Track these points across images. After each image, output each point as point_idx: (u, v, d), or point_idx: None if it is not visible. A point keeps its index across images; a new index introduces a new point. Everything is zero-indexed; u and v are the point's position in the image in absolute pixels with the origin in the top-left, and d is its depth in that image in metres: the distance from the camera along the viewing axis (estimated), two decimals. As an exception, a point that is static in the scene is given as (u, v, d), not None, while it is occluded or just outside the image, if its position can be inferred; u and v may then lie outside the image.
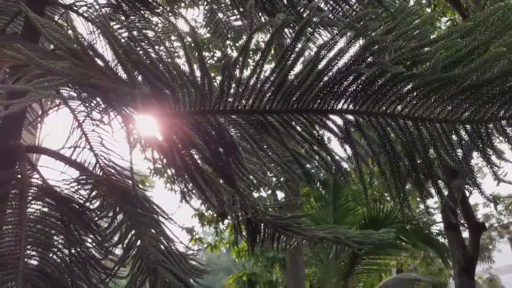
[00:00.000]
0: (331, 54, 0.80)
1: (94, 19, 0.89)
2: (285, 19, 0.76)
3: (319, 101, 0.89)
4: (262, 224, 2.25)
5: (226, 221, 9.38)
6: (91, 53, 0.83)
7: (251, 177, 1.12)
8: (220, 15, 3.56)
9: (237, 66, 0.85)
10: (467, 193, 9.67)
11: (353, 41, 0.79)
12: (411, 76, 0.76)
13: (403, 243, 9.04)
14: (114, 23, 2.64)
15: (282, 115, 0.94)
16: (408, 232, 8.89)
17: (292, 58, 0.82)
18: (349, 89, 0.85)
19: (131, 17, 2.62)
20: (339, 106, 0.89)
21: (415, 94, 0.81)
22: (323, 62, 0.81)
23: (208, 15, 3.75)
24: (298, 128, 0.96)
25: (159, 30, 3.13)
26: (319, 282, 9.53)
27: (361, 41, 0.83)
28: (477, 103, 0.79)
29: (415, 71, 0.76)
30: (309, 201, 9.68)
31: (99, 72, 0.89)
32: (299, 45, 0.80)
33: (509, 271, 17.88)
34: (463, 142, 0.84)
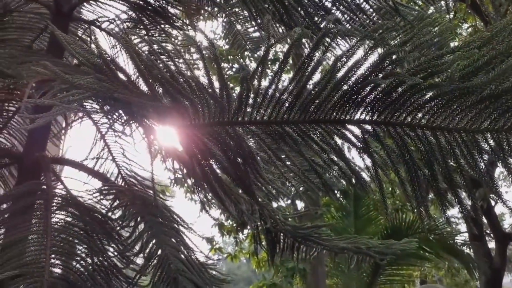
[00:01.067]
0: (349, 64, 0.81)
1: (116, 34, 0.91)
2: (301, 33, 0.78)
3: (337, 111, 0.90)
4: (282, 234, 2.25)
5: (245, 231, 9.37)
6: (113, 67, 0.86)
7: (270, 187, 1.13)
8: (238, 27, 3.61)
9: (255, 77, 0.87)
10: (493, 203, 9.44)
11: (370, 51, 0.80)
12: (428, 86, 0.76)
13: (426, 254, 8.85)
14: (135, 37, 2.71)
15: (299, 126, 0.95)
16: (432, 242, 8.71)
17: (309, 69, 0.83)
18: (367, 99, 0.85)
19: (151, 31, 2.68)
20: (357, 116, 0.89)
21: (433, 104, 0.81)
22: (341, 73, 0.82)
23: (226, 27, 3.80)
24: (315, 138, 0.97)
25: (179, 43, 3.19)
26: (340, 293, 9.40)
27: (379, 51, 0.84)
28: (496, 112, 0.78)
29: (432, 82, 0.76)
30: (330, 211, 9.59)
31: (122, 86, 0.92)
32: (317, 56, 0.81)
33: (538, 283, 17.26)
34: (483, 152, 0.84)
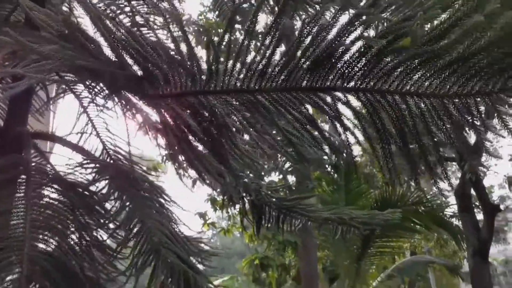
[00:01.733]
0: (315, 30, 0.80)
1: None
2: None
3: (307, 79, 0.89)
4: (267, 207, 2.27)
5: (238, 206, 9.43)
6: (79, 35, 0.84)
7: (246, 158, 1.13)
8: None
9: (223, 44, 0.85)
10: (481, 175, 9.55)
11: (337, 15, 0.79)
12: (393, 50, 0.75)
13: (416, 226, 9.00)
14: (115, 8, 2.64)
15: (271, 94, 0.94)
16: (421, 214, 8.84)
17: (276, 36, 0.82)
18: (336, 66, 0.84)
19: (132, 2, 2.61)
20: (327, 83, 0.89)
21: (402, 69, 0.81)
22: (308, 39, 0.81)
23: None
24: (288, 106, 0.96)
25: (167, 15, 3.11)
26: (331, 265, 9.57)
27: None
28: (464, 76, 0.78)
29: (397, 45, 0.75)
30: (321, 185, 9.66)
31: (89, 55, 0.90)
32: (283, 22, 0.80)
33: (525, 253, 17.70)
34: (453, 116, 0.83)
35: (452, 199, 10.02)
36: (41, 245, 1.45)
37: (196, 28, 9.60)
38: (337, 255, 8.71)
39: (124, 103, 1.60)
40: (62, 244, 1.46)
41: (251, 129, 1.04)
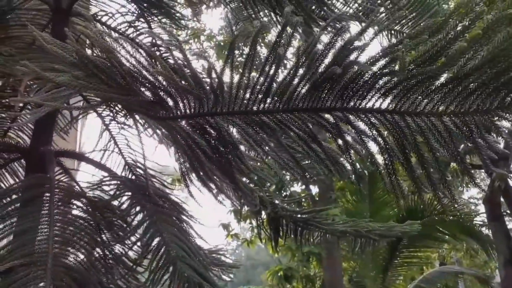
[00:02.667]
0: (312, 55, 0.83)
1: (87, 30, 0.93)
2: (262, 25, 0.80)
3: (308, 100, 0.92)
4: (283, 220, 2.29)
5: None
6: (90, 64, 0.90)
7: (253, 174, 1.17)
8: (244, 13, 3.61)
9: (227, 69, 0.89)
10: (510, 182, 9.28)
11: (333, 41, 0.82)
12: (384, 74, 0.78)
13: (444, 235, 8.79)
14: (134, 30, 2.74)
15: (275, 115, 0.98)
16: (448, 223, 8.64)
17: (276, 62, 0.86)
18: (334, 88, 0.87)
19: (152, 24, 2.70)
20: (327, 104, 0.91)
21: (398, 90, 0.83)
22: (306, 64, 0.84)
23: (234, 13, 3.81)
24: (291, 126, 0.99)
25: (183, 34, 3.20)
26: (357, 276, 9.43)
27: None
28: (461, 95, 0.79)
29: (387, 70, 0.77)
30: (344, 195, 9.57)
31: (101, 81, 0.95)
32: (280, 51, 0.83)
33: (561, 262, 16.99)
34: (452, 133, 0.85)
35: (481, 208, 9.76)
36: (63, 260, 1.51)
37: (217, 43, 9.76)
38: (363, 266, 8.60)
39: (142, 122, 1.67)
40: (84, 259, 1.52)
41: (257, 147, 1.08)
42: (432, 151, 0.90)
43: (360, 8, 1.82)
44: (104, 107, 2.27)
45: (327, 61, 0.84)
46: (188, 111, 1.06)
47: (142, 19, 2.74)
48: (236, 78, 0.93)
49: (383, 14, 1.68)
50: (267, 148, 1.08)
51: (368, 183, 8.72)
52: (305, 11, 1.68)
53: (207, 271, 1.76)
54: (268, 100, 0.96)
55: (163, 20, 2.62)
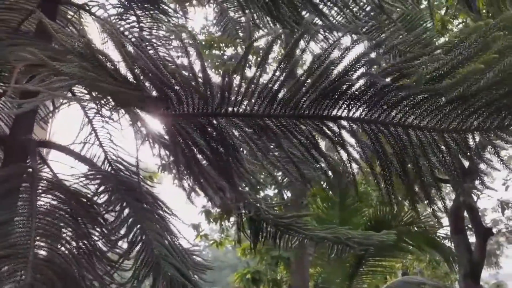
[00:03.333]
0: (325, 64, 0.85)
1: (103, 24, 0.92)
2: (278, 33, 0.81)
3: (315, 107, 0.94)
4: (264, 223, 2.30)
5: (232, 219, 9.44)
6: (100, 57, 0.88)
7: (251, 177, 1.17)
8: (231, 14, 3.61)
9: (238, 72, 0.90)
10: (475, 198, 9.61)
11: (346, 52, 0.84)
12: (398, 88, 0.80)
13: (409, 246, 9.00)
14: (124, 23, 2.70)
15: (280, 120, 0.99)
16: (414, 235, 8.86)
17: (287, 67, 0.87)
18: (343, 97, 0.89)
19: (141, 17, 2.68)
20: (333, 112, 0.93)
21: (405, 103, 0.86)
22: (318, 71, 0.86)
23: (219, 14, 3.80)
24: (295, 132, 1.01)
25: (169, 28, 3.17)
26: (323, 282, 9.52)
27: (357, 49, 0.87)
28: (464, 113, 0.83)
29: (402, 83, 0.80)
30: (316, 201, 9.66)
31: (108, 74, 0.94)
32: (295, 54, 0.85)
33: (516, 277, 17.69)
34: (451, 149, 0.88)
35: (445, 221, 10.08)
36: (44, 253, 1.47)
37: (198, 42, 9.70)
38: (329, 272, 8.70)
39: (132, 117, 1.65)
40: (65, 252, 1.48)
41: (257, 151, 1.09)
42: (430, 165, 0.94)
43: (355, 18, 1.86)
44: (89, 99, 2.23)
45: (336, 71, 0.86)
46: (191, 109, 1.06)
47: (131, 12, 2.71)
48: (244, 80, 0.94)
49: (386, 31, 1.73)
50: (267, 152, 1.09)
51: (339, 191, 8.84)
52: (303, 19, 1.70)
53: (189, 271, 1.76)
54: (274, 105, 0.97)
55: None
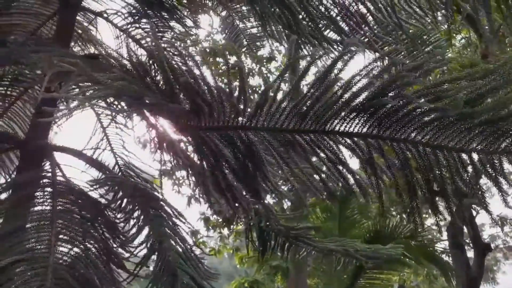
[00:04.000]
0: (360, 84, 0.88)
1: (150, 47, 0.95)
2: (319, 56, 0.85)
3: (345, 124, 0.97)
4: (274, 233, 2.32)
5: (231, 227, 9.43)
6: (141, 70, 0.91)
7: (275, 190, 1.20)
8: (238, 23, 3.65)
9: (273, 89, 0.93)
10: (474, 213, 9.64)
11: (380, 75, 0.87)
12: (434, 109, 0.84)
13: (407, 259, 8.99)
14: (140, 30, 2.74)
15: (310, 135, 1.02)
16: (412, 248, 8.86)
17: (322, 87, 0.90)
18: (374, 116, 0.92)
19: (158, 25, 2.71)
20: (364, 130, 0.96)
21: (435, 124, 0.89)
22: (352, 90, 0.89)
23: (226, 21, 3.84)
24: (323, 147, 1.03)
25: (180, 36, 3.21)
26: (321, 293, 9.48)
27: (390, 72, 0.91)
28: (492, 136, 0.86)
29: (438, 106, 0.83)
30: (315, 211, 9.66)
31: (145, 87, 0.97)
32: (332, 75, 0.88)
33: (512, 294, 17.64)
34: (478, 171, 0.91)
35: (443, 235, 10.08)
36: (64, 258, 1.49)
37: (203, 49, 9.76)
38: (327, 283, 8.67)
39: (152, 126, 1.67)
40: (85, 258, 1.50)
41: (284, 165, 1.12)
42: (455, 184, 0.97)
43: (372, 34, 1.90)
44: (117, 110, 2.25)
45: (370, 89, 0.89)
46: (221, 122, 1.09)
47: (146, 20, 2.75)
48: (277, 96, 0.97)
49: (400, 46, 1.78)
50: (293, 166, 1.12)
51: (339, 202, 8.84)
52: (321, 34, 1.74)
53: (202, 280, 1.77)
54: (305, 121, 1.00)
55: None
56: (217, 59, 10.23)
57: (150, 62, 1.27)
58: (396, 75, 0.83)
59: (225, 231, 10.07)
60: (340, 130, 0.97)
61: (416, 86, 0.93)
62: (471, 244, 9.47)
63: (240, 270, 10.68)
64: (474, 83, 0.80)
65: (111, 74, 0.94)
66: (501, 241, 15.54)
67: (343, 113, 0.94)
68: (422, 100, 0.84)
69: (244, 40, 3.76)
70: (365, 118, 0.94)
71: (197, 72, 0.91)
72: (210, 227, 10.01)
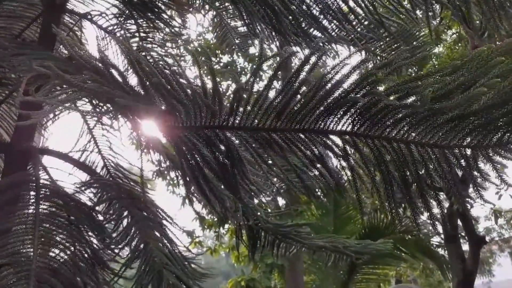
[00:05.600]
0: (333, 81, 0.88)
1: (118, 39, 0.95)
2: (290, 53, 0.85)
3: (320, 122, 0.97)
4: (263, 231, 2.33)
5: (226, 226, 9.44)
6: (113, 71, 0.91)
7: (253, 187, 1.20)
8: (228, 21, 3.65)
9: (247, 87, 0.93)
10: (468, 206, 9.67)
11: (352, 71, 0.87)
12: (403, 106, 0.84)
13: (402, 254, 9.04)
14: (123, 31, 2.73)
15: (286, 133, 1.02)
16: (408, 242, 8.90)
17: (296, 84, 0.90)
18: (348, 114, 0.93)
19: (141, 26, 2.71)
20: (338, 127, 0.97)
21: (408, 120, 0.89)
22: (326, 88, 0.89)
23: (215, 20, 3.84)
24: (300, 145, 1.04)
25: (166, 36, 3.20)
26: (317, 290, 9.51)
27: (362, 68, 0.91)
28: (464, 131, 0.87)
29: (407, 102, 0.83)
30: (310, 208, 9.69)
31: (119, 88, 0.97)
32: (304, 72, 0.88)
33: (509, 286, 17.81)
34: (452, 165, 0.92)
35: (438, 229, 10.12)
36: (47, 261, 1.49)
37: (194, 48, 9.75)
38: (323, 280, 8.71)
39: (135, 126, 1.66)
40: (68, 260, 1.50)
41: (262, 163, 1.12)
42: (431, 180, 0.97)
43: (354, 31, 1.90)
44: (95, 111, 2.25)
45: (342, 88, 0.89)
46: (198, 122, 1.09)
47: (132, 21, 2.74)
48: (251, 95, 0.97)
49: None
50: (271, 164, 1.12)
51: (333, 199, 8.87)
52: (305, 32, 1.74)
53: (189, 280, 1.77)
54: (281, 119, 1.00)
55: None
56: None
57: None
58: (366, 72, 0.84)
59: (221, 230, 10.09)
60: (315, 128, 0.98)
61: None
62: (466, 238, 9.52)
63: (237, 268, 10.70)
64: (443, 79, 0.80)
65: (84, 76, 0.94)
66: (496, 233, 15.66)
67: (317, 111, 0.94)
68: (392, 97, 0.84)
69: (234, 39, 3.76)
70: (339, 116, 0.94)
71: (168, 72, 0.91)
72: (205, 227, 10.02)
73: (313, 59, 0.86)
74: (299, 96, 0.94)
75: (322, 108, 0.93)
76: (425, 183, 1.00)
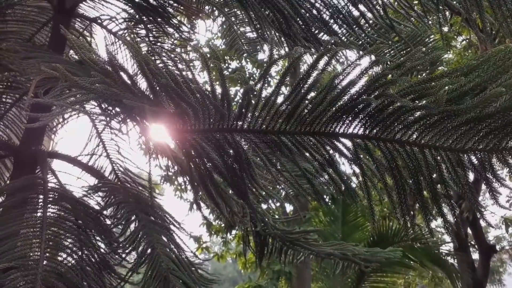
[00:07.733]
0: (344, 83, 0.86)
1: (127, 42, 0.94)
2: (300, 53, 0.83)
3: (331, 125, 0.95)
4: (271, 238, 2.30)
5: (233, 232, 9.41)
6: (121, 72, 0.90)
7: (262, 191, 1.18)
8: (236, 27, 3.65)
9: (256, 90, 0.92)
10: (478, 215, 9.56)
11: (364, 72, 0.85)
12: (417, 108, 0.82)
13: (411, 262, 8.93)
14: (135, 36, 2.74)
15: (295, 136, 1.00)
16: (417, 251, 8.80)
17: (306, 86, 0.88)
18: (360, 116, 0.91)
19: (152, 31, 2.72)
20: (350, 130, 0.95)
21: (421, 123, 0.87)
22: (337, 90, 0.87)
23: (224, 27, 3.85)
24: (310, 148, 1.02)
25: (176, 41, 3.21)
26: (325, 297, 9.43)
27: (374, 70, 0.89)
28: (480, 134, 0.84)
29: (421, 104, 0.81)
30: (318, 215, 9.63)
31: (128, 90, 0.96)
32: (314, 74, 0.87)
33: (519, 295, 17.52)
34: (467, 169, 0.89)
35: (448, 237, 10.01)
36: (54, 265, 1.48)
37: (203, 54, 9.76)
38: (331, 287, 8.62)
39: (144, 130, 1.66)
40: (75, 264, 1.49)
41: (271, 167, 1.10)
42: (445, 185, 0.95)
43: (364, 36, 1.89)
44: (104, 113, 2.25)
45: (355, 89, 0.88)
46: (207, 125, 1.07)
47: (141, 24, 2.75)
48: (260, 98, 0.96)
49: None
50: (279, 166, 1.10)
51: (342, 205, 8.81)
52: (314, 37, 1.73)
53: (196, 286, 1.75)
54: (290, 122, 0.99)
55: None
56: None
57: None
58: (378, 73, 0.82)
59: (228, 236, 10.06)
60: (325, 131, 0.96)
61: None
62: (476, 246, 9.40)
63: (244, 275, 10.63)
64: (458, 79, 0.78)
65: (92, 78, 0.93)
66: (507, 242, 15.43)
67: (328, 114, 0.93)
68: (406, 98, 0.82)
69: (243, 44, 3.76)
70: (350, 119, 0.92)
71: (177, 74, 0.90)
72: (213, 232, 10.00)
73: (325, 58, 0.84)
74: (309, 97, 0.92)
75: (333, 110, 0.91)
76: (444, 189, 0.98)
